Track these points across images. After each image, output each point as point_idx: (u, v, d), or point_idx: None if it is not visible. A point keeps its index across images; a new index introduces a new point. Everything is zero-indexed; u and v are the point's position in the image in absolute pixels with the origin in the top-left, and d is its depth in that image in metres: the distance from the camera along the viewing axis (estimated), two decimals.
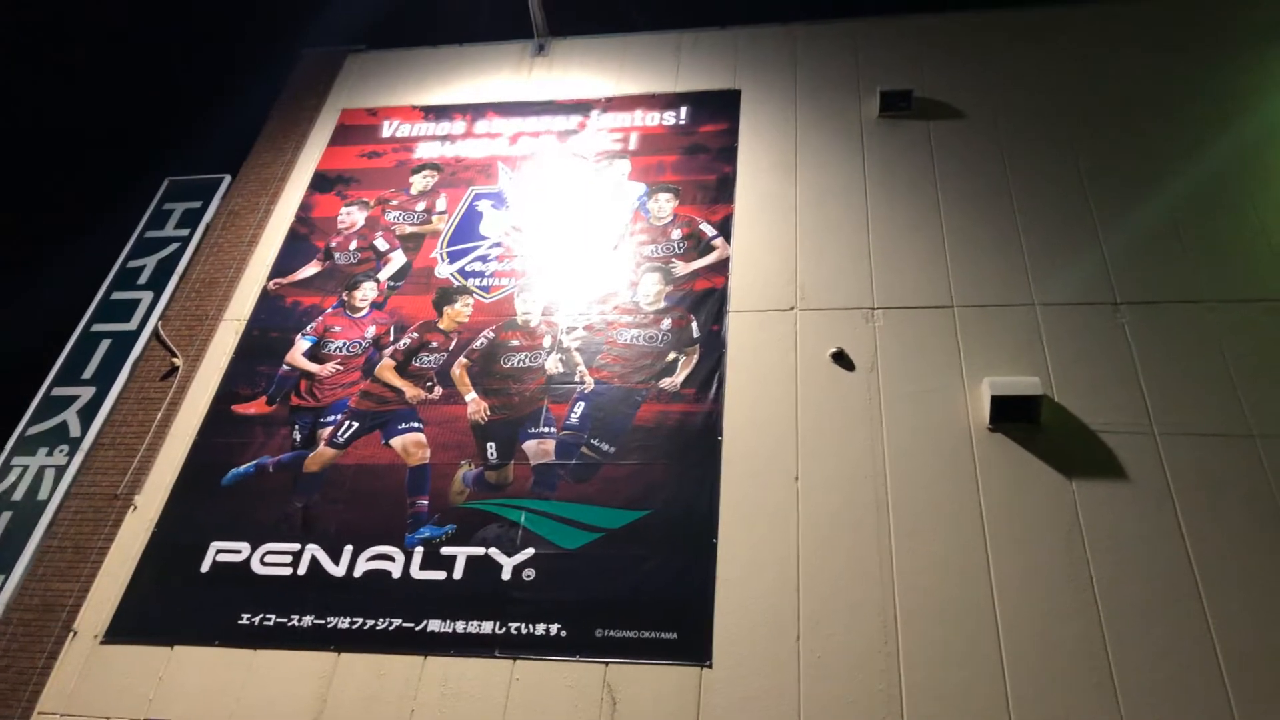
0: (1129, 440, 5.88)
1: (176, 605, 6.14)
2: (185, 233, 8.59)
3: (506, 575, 5.96)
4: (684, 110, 8.70)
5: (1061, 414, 6.05)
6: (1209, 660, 5.01)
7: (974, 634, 5.28)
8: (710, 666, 5.38)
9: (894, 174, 7.67)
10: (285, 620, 5.94)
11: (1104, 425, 5.96)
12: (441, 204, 8.43)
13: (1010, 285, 6.74)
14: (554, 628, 5.68)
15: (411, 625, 5.81)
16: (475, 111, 9.23)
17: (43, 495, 6.79)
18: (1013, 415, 6.03)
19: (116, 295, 8.15)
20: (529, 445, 6.60)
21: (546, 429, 6.67)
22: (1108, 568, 5.41)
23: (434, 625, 5.80)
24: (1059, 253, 6.86)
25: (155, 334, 7.76)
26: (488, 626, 5.74)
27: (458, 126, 9.12)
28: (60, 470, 6.93)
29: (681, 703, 5.26)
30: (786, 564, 5.71)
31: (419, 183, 8.64)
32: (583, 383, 6.88)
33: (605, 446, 6.49)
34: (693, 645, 5.48)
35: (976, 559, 5.55)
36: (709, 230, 7.66)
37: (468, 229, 8.18)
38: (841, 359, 6.59)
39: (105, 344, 7.75)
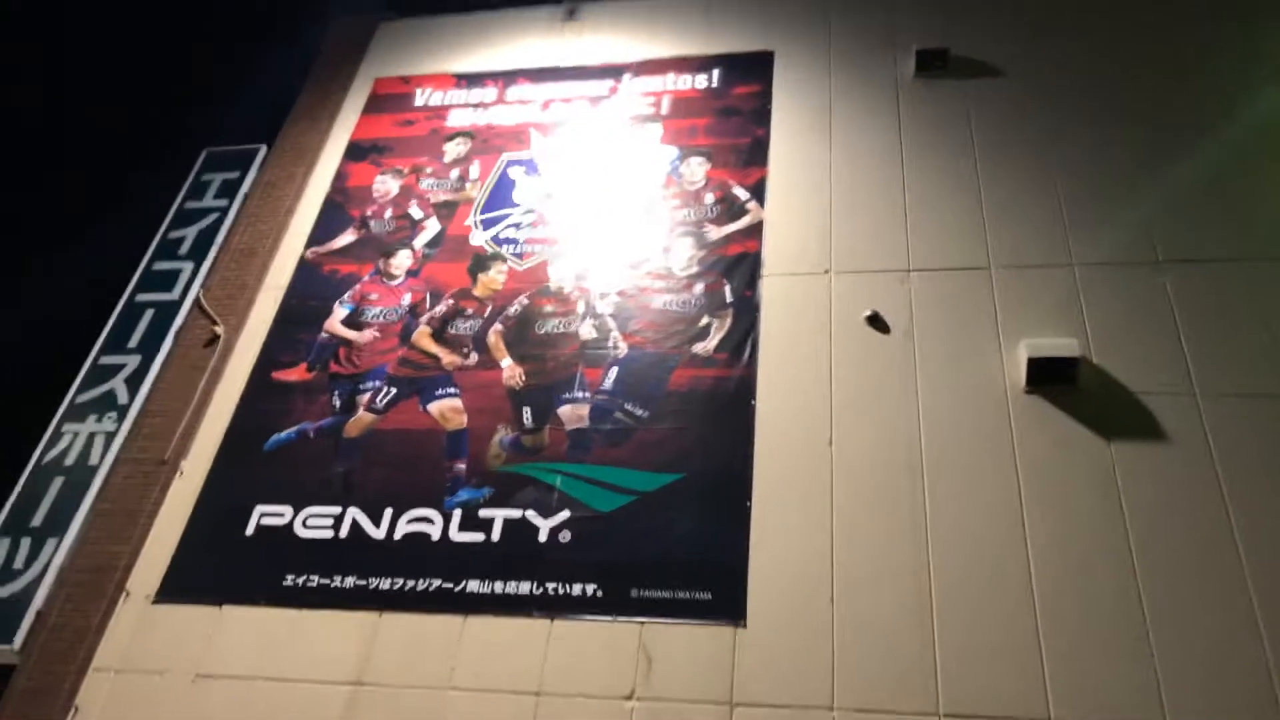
0: (1169, 402, 5.80)
1: (223, 567, 6.31)
2: (224, 203, 8.71)
3: (543, 537, 6.05)
4: (716, 73, 8.62)
5: (1100, 376, 5.98)
6: (1248, 624, 4.96)
7: (1009, 597, 5.27)
8: (745, 626, 5.43)
9: (930, 134, 7.56)
10: (328, 581, 6.09)
11: (1144, 387, 5.88)
12: (475, 171, 8.46)
13: (1048, 245, 6.64)
14: (590, 588, 5.76)
15: (451, 586, 5.93)
16: (507, 78, 9.22)
17: (93, 461, 6.98)
18: (1050, 377, 5.97)
19: (159, 265, 8.31)
20: (564, 410, 6.66)
21: (581, 394, 6.72)
22: (1146, 531, 5.36)
23: (473, 586, 5.91)
24: (1099, 211, 6.73)
25: (197, 303, 7.91)
26: (525, 587, 5.84)
27: (490, 93, 9.13)
28: (109, 436, 7.12)
29: (716, 661, 5.33)
30: (821, 526, 5.73)
31: (452, 150, 8.67)
32: (616, 348, 6.92)
33: (639, 411, 6.53)
34: (727, 605, 5.54)
35: (1012, 522, 5.53)
36: (742, 194, 7.62)
37: (501, 196, 8.20)
38: (876, 322, 6.56)
39: (149, 313, 7.92)
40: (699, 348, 6.77)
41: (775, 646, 5.33)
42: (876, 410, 6.16)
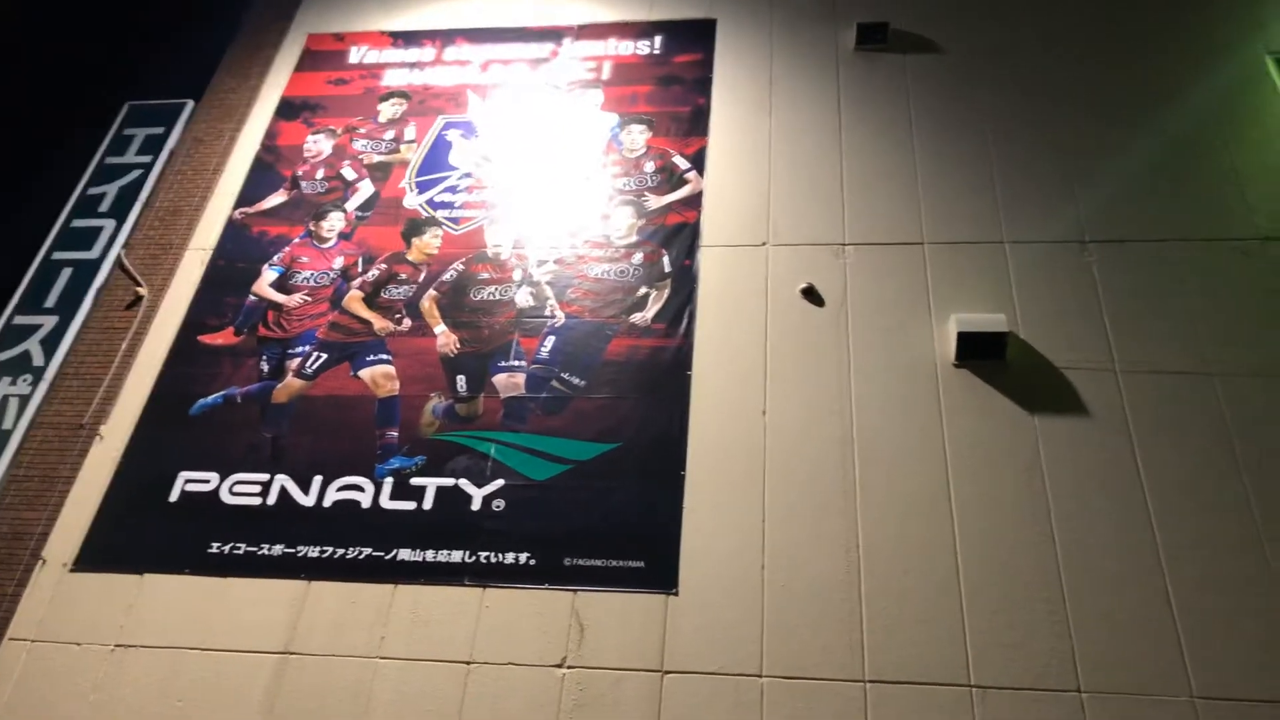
0: (1091, 377, 5.97)
1: (145, 534, 6.14)
2: (148, 159, 8.39)
3: (476, 505, 6.00)
4: (658, 39, 8.54)
5: (1027, 351, 6.13)
6: (1159, 591, 5.17)
7: (934, 564, 5.41)
8: (676, 594, 5.48)
9: (869, 109, 7.61)
10: (255, 549, 5.97)
11: (1068, 362, 6.05)
12: (410, 133, 8.28)
13: (981, 222, 6.75)
14: (523, 557, 5.75)
15: (381, 554, 5.87)
16: (445, 38, 9.01)
17: (7, 425, 6.72)
18: (979, 352, 6.09)
19: (77, 223, 7.98)
20: (499, 378, 6.60)
21: (517, 362, 6.67)
22: (1066, 501, 5.53)
23: (404, 554, 5.85)
24: (1031, 191, 6.87)
25: (118, 263, 7.62)
26: (457, 555, 5.81)
27: (427, 53, 8.92)
28: (24, 399, 6.86)
29: (648, 629, 5.37)
30: (753, 496, 5.79)
31: (387, 111, 8.47)
32: (553, 316, 6.86)
33: (576, 380, 6.50)
34: (659, 574, 5.58)
35: (939, 492, 5.66)
36: (682, 163, 7.59)
37: (437, 159, 8.05)
38: (811, 294, 6.61)
39: (67, 272, 7.62)
40: (637, 317, 6.76)
41: (706, 615, 5.39)
42: (810, 382, 6.23)
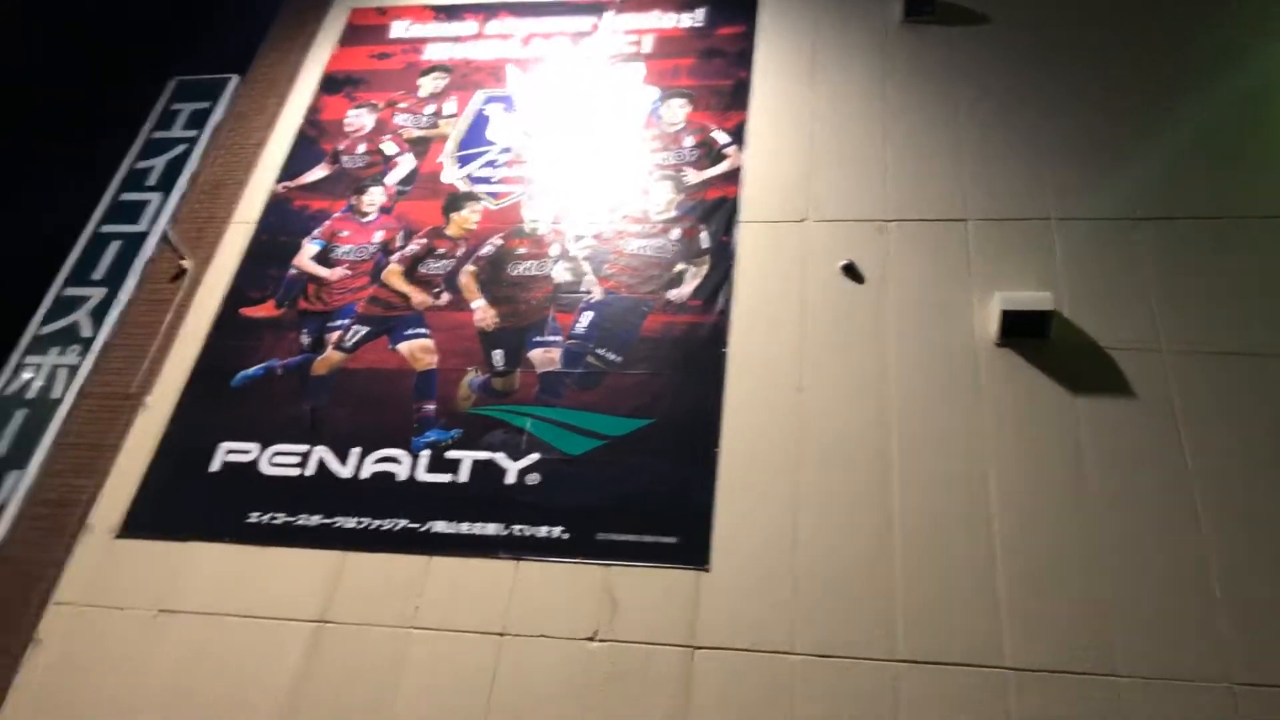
0: (1138, 357, 5.81)
1: (188, 503, 6.26)
2: (193, 134, 8.49)
3: (511, 479, 6.03)
4: (701, 12, 8.42)
5: (1072, 330, 5.97)
6: (1203, 577, 5.04)
7: (972, 547, 5.31)
8: (709, 570, 5.46)
9: (915, 82, 7.44)
10: (293, 519, 6.06)
11: (1113, 342, 5.88)
12: (450, 107, 8.28)
13: (1027, 199, 6.58)
14: (556, 530, 5.76)
15: (417, 526, 5.92)
16: (488, 11, 8.98)
17: (56, 394, 6.88)
18: (1022, 331, 5.95)
19: (126, 196, 8.11)
20: (535, 353, 6.60)
21: (553, 337, 6.66)
22: (1109, 485, 5.40)
23: (439, 526, 5.90)
24: (1079, 166, 6.67)
25: (165, 236, 7.73)
26: (492, 528, 5.84)
27: (469, 27, 8.90)
28: (73, 370, 7.01)
29: (679, 605, 5.36)
30: (788, 474, 5.74)
31: (428, 85, 8.47)
32: (590, 292, 6.84)
33: (611, 356, 6.49)
34: (692, 550, 5.55)
35: (978, 473, 5.55)
36: (721, 138, 7.50)
37: (476, 133, 8.04)
38: (851, 272, 6.51)
39: (115, 245, 7.75)
40: (673, 294, 6.71)
41: (739, 592, 5.37)
42: (848, 360, 6.15)
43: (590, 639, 5.33)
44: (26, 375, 7.02)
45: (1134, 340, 5.86)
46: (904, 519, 5.46)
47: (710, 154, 7.42)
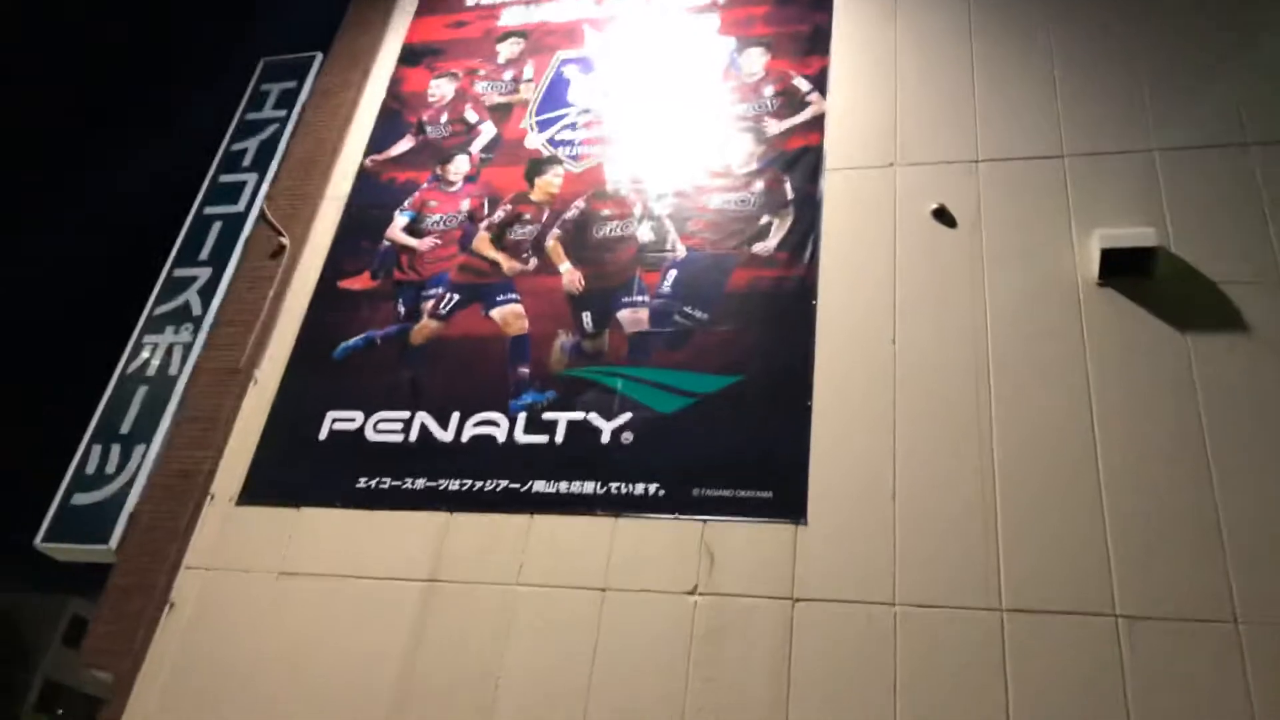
0: (1253, 291, 5.53)
1: (300, 470, 6.55)
2: (283, 114, 8.73)
3: (605, 439, 6.13)
4: None
5: (1179, 266, 5.72)
6: None
7: (1076, 495, 5.19)
8: (805, 524, 5.47)
9: (1001, 13, 7.15)
10: (399, 483, 6.29)
11: (1226, 277, 5.61)
12: (529, 72, 8.31)
13: (1126, 130, 6.30)
14: (652, 487, 5.85)
15: (518, 486, 6.08)
16: None
17: (173, 371, 7.24)
18: (1125, 269, 5.72)
19: (224, 178, 8.42)
20: (623, 314, 6.65)
21: (640, 297, 6.70)
22: (1223, 428, 5.18)
23: (539, 486, 6.04)
24: (1182, 91, 6.34)
25: (262, 215, 8.01)
26: (589, 487, 5.96)
27: None
28: (187, 347, 7.37)
29: (777, 558, 5.40)
30: (882, 425, 5.69)
31: (505, 51, 8.52)
32: (674, 250, 6.84)
33: (698, 313, 6.49)
34: (788, 504, 5.57)
35: (1081, 419, 5.40)
36: (803, 85, 7.36)
37: (555, 96, 8.07)
38: (942, 216, 6.35)
39: (217, 226, 8.07)
40: (759, 247, 6.66)
41: (836, 544, 5.37)
42: (942, 307, 6.02)
43: (690, 593, 5.42)
44: (145, 354, 7.41)
45: (1249, 274, 5.57)
46: (1004, 466, 5.37)
47: (791, 102, 7.30)
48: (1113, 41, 6.72)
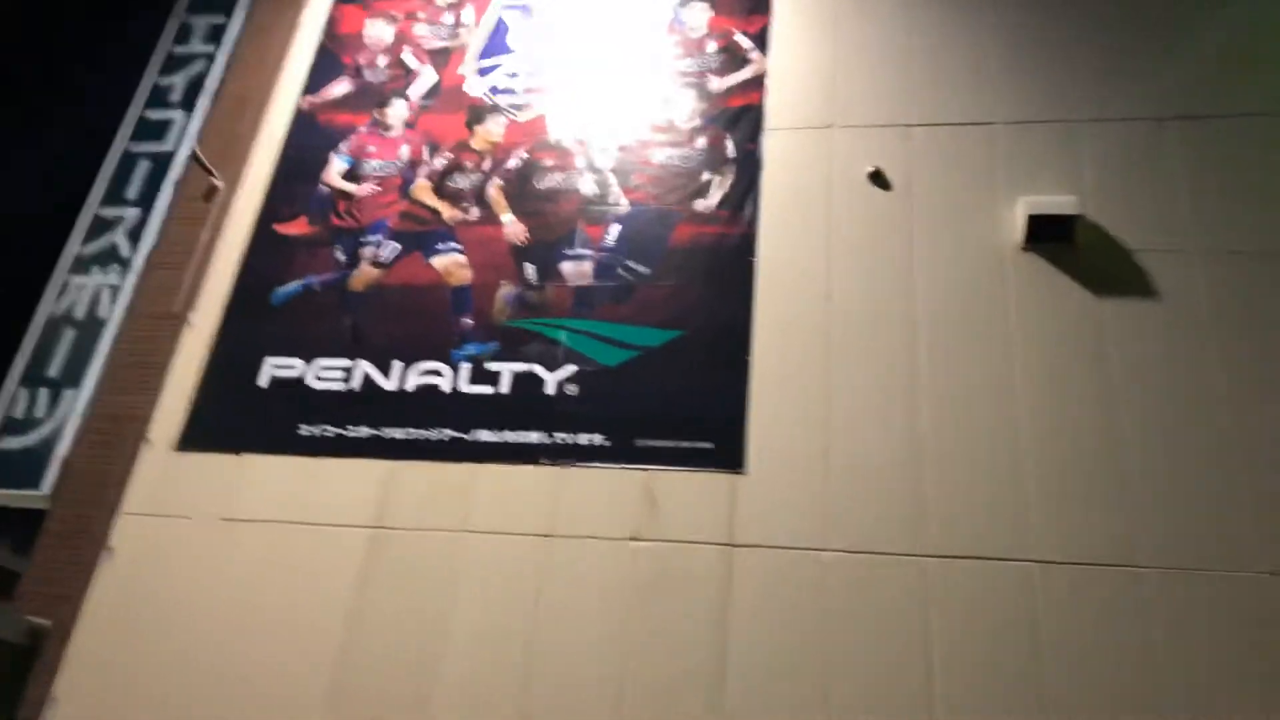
0: (1166, 259, 5.92)
1: (240, 417, 6.51)
2: (211, 49, 8.43)
3: (550, 390, 6.25)
4: None
5: (1098, 234, 6.07)
6: (1233, 474, 5.24)
7: (996, 446, 5.55)
8: (744, 473, 5.72)
9: None
10: (343, 431, 6.31)
11: (1142, 244, 5.99)
12: (468, 16, 8.19)
13: (1053, 101, 6.59)
14: (596, 438, 6.01)
15: (462, 435, 6.17)
16: None
17: (102, 314, 7.06)
18: (1048, 235, 6.05)
19: (150, 114, 8.12)
20: (566, 266, 6.73)
21: (583, 250, 6.78)
22: (1131, 386, 5.59)
23: (483, 435, 6.15)
24: (1105, 66, 6.65)
25: (193, 155, 7.78)
26: (534, 436, 6.09)
27: None
28: (115, 289, 7.18)
29: (717, 506, 5.64)
30: (818, 379, 5.94)
31: None
32: (617, 204, 6.93)
33: (641, 268, 6.62)
34: (728, 454, 5.81)
35: (1004, 376, 5.75)
36: (744, 42, 7.45)
37: (496, 41, 7.99)
38: (878, 178, 6.58)
39: (145, 164, 7.81)
40: (700, 204, 6.80)
41: (773, 493, 5.64)
42: (875, 266, 6.28)
43: (633, 539, 5.63)
44: (72, 295, 7.20)
45: (1162, 242, 5.96)
46: (932, 420, 5.69)
47: (734, 59, 7.40)
48: (1041, 14, 6.98)
